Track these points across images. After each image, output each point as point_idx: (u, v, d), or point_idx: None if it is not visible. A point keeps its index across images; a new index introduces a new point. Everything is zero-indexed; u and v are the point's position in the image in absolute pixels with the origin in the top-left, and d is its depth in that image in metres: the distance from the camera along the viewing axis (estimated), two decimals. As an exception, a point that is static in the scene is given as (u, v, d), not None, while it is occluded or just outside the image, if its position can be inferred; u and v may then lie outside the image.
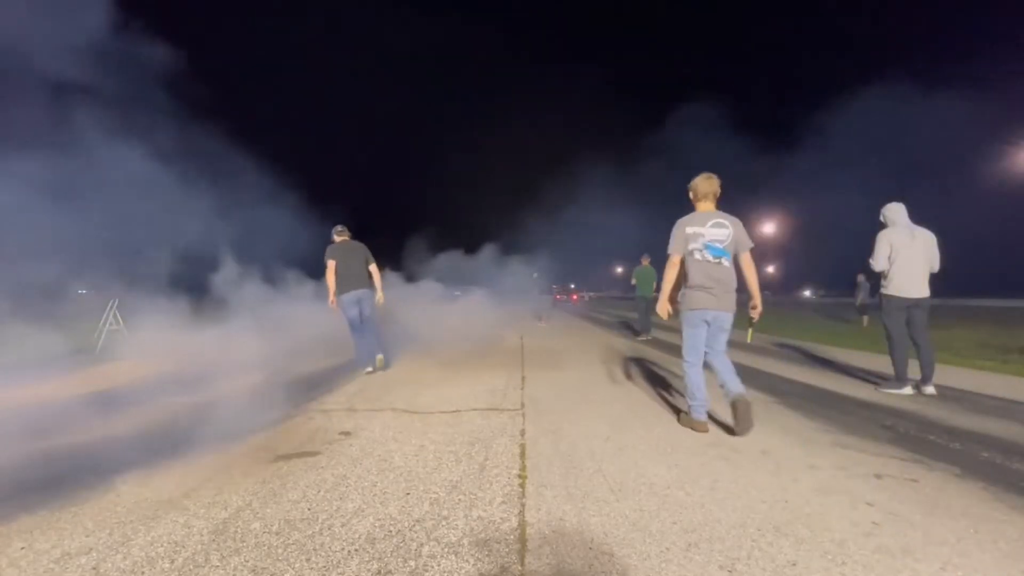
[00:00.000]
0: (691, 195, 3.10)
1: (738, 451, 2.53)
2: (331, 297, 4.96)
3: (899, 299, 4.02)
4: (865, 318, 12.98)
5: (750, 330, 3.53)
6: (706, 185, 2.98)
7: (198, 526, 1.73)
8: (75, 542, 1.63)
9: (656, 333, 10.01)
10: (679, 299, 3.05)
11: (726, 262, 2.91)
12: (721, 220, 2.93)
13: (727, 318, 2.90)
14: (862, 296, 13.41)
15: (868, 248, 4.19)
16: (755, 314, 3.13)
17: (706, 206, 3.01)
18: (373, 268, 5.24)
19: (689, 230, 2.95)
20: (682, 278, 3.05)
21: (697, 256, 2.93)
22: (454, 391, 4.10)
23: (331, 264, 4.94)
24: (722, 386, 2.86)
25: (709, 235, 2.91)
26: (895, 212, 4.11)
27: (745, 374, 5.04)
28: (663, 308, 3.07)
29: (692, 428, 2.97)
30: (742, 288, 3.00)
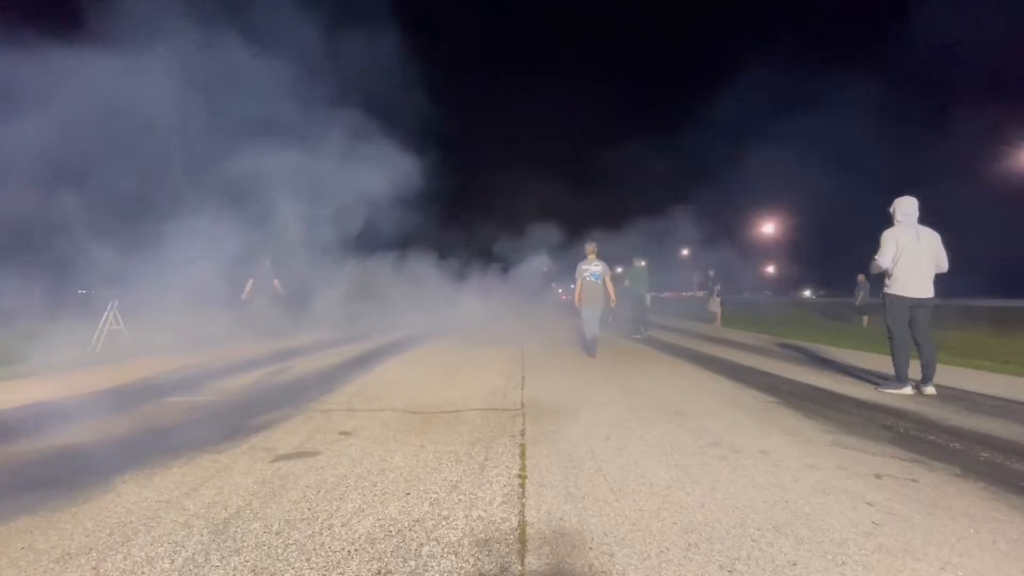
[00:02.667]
0: (585, 250, 6.47)
1: (738, 451, 2.53)
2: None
3: (903, 299, 4.00)
4: (865, 318, 13.02)
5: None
6: (591, 248, 6.41)
7: (198, 526, 1.73)
8: (75, 542, 1.63)
9: (652, 332, 10.03)
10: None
11: (599, 282, 6.31)
12: (597, 262, 6.35)
13: (597, 308, 6.34)
14: (862, 296, 13.46)
15: (871, 247, 4.18)
16: (611, 304, 6.48)
17: (591, 256, 6.40)
18: (276, 282, 9.08)
19: (583, 267, 6.39)
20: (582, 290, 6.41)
21: (588, 280, 6.32)
22: (454, 391, 4.10)
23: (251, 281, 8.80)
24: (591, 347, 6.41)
25: (591, 270, 6.33)
26: (907, 206, 4.02)
27: (745, 374, 5.06)
28: (577, 303, 6.49)
29: (588, 354, 6.43)
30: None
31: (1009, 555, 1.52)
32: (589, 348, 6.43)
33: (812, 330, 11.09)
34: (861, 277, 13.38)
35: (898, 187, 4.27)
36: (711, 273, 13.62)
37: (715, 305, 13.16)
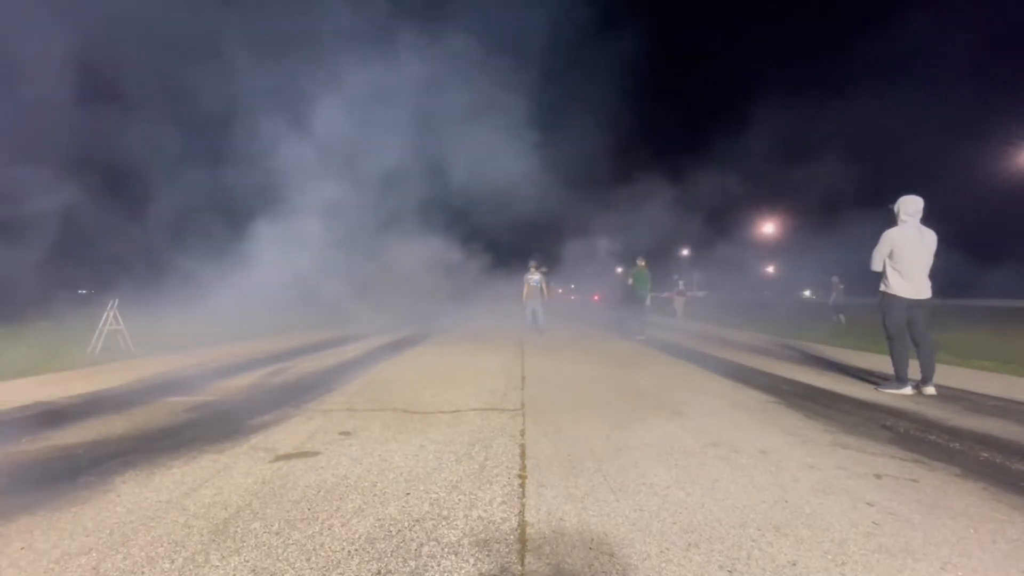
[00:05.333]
0: (529, 265, 9.88)
1: (738, 451, 2.53)
2: None
3: (902, 299, 3.99)
4: (841, 316, 13.90)
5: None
6: (533, 264, 9.81)
7: (198, 526, 1.73)
8: (75, 542, 1.63)
9: (652, 332, 10.03)
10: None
11: (538, 287, 9.82)
12: (536, 274, 9.84)
13: (537, 304, 9.78)
14: (835, 296, 14.72)
15: (867, 247, 4.17)
16: (544, 298, 9.88)
17: (533, 270, 9.81)
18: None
19: (528, 276, 9.88)
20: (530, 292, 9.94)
21: (531, 285, 9.83)
22: (454, 391, 4.09)
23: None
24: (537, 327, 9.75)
25: (533, 279, 9.83)
26: (912, 205, 3.95)
27: (745, 374, 5.06)
28: (524, 299, 9.97)
29: (532, 331, 9.76)
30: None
31: (1009, 555, 1.52)
32: (533, 329, 9.86)
33: (808, 329, 11.11)
34: (835, 279, 14.78)
35: (898, 186, 4.24)
36: (676, 277, 18.58)
37: (677, 303, 17.25)
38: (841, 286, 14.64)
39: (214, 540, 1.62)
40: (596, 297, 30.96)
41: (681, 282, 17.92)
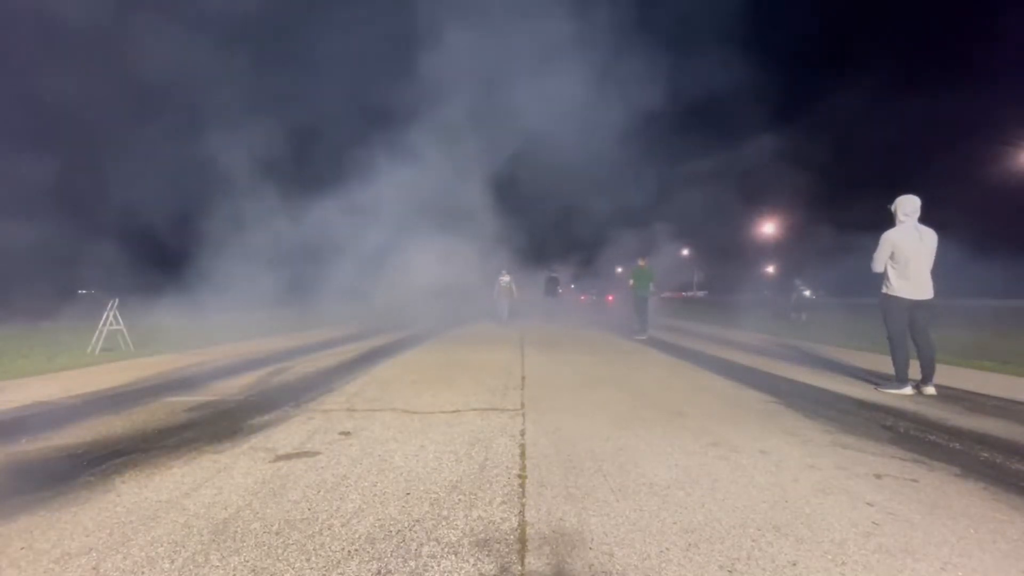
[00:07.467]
0: (502, 269, 13.60)
1: (738, 451, 2.53)
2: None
3: (903, 300, 3.98)
4: (803, 314, 15.37)
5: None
6: (504, 270, 13.56)
7: (198, 526, 1.73)
8: (75, 542, 1.63)
9: (653, 332, 10.02)
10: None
11: (508, 287, 13.19)
12: (507, 276, 13.38)
13: (507, 302, 13.09)
14: (795, 297, 16.52)
15: (865, 247, 4.17)
16: (514, 297, 13.34)
17: (504, 274, 13.39)
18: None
19: (501, 279, 13.25)
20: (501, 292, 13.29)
21: (502, 287, 13.21)
22: (454, 391, 4.10)
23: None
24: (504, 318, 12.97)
25: (504, 280, 13.25)
26: (910, 205, 3.95)
27: (745, 374, 5.06)
28: (496, 297, 13.43)
29: (499, 323, 12.67)
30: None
31: (1009, 555, 1.52)
32: (502, 322, 12.46)
33: (803, 328, 11.11)
34: (798, 281, 16.68)
35: (899, 186, 4.24)
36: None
37: (651, 302, 18.96)
38: (802, 287, 16.64)
39: (214, 540, 1.62)
40: (610, 298, 30.60)
41: (651, 284, 21.68)
